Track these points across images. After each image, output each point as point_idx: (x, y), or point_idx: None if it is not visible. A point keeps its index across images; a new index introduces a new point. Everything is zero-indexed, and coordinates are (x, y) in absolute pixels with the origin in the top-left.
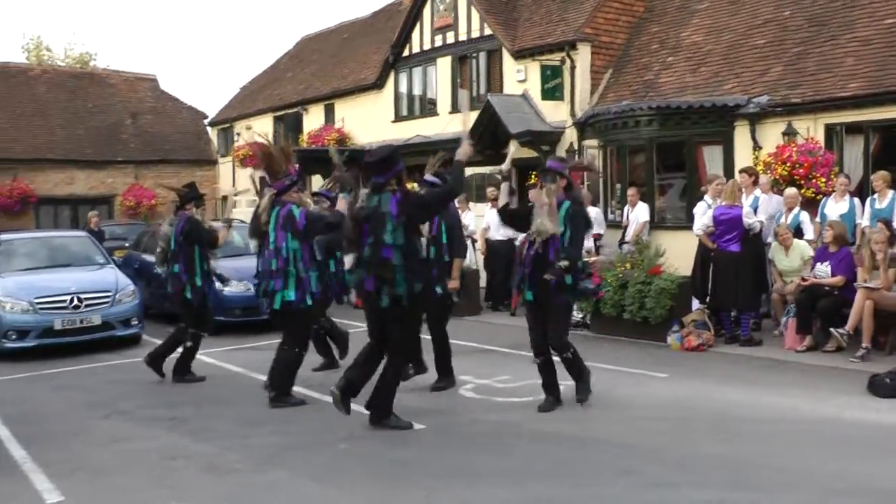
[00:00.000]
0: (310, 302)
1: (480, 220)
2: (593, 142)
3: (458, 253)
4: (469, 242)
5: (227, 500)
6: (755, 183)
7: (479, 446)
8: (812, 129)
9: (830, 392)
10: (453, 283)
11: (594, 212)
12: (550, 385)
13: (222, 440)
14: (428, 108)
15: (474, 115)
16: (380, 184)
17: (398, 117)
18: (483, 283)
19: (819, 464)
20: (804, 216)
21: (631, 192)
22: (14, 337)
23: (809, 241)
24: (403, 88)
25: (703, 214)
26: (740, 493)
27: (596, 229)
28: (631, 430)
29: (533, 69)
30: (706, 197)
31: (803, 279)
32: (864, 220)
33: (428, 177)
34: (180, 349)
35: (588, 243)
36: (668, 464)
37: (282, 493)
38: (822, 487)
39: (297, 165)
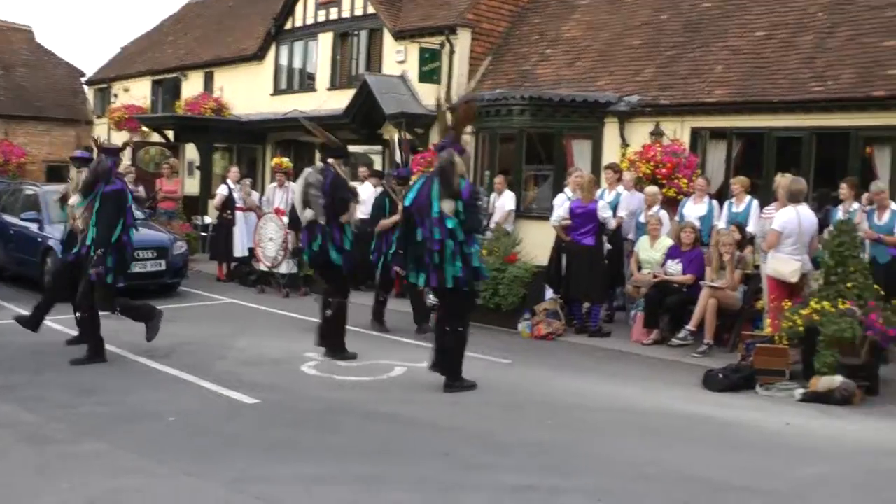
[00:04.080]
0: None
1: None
2: (467, 128)
3: None
4: None
5: (36, 470)
6: (619, 179)
7: (309, 423)
8: (679, 131)
9: (666, 384)
10: None
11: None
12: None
13: (51, 409)
14: (307, 83)
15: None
16: None
17: (277, 90)
18: None
19: (635, 451)
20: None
21: (498, 179)
22: None
23: None
24: (284, 62)
25: (561, 206)
26: (550, 478)
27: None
28: (462, 413)
29: (413, 51)
30: (566, 189)
31: (654, 276)
32: (720, 223)
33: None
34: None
35: None
36: (488, 448)
37: (95, 464)
38: (630, 473)
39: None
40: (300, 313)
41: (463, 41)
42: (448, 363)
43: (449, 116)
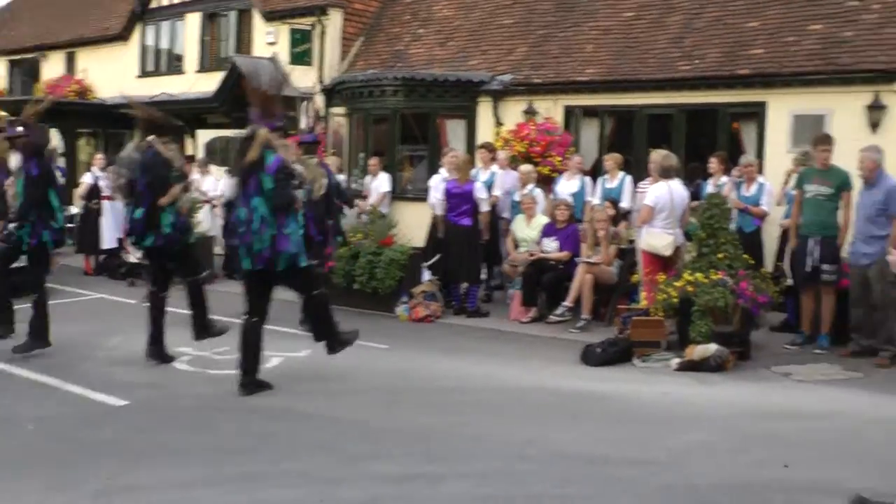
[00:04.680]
0: None
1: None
2: (340, 109)
3: None
4: (208, 208)
5: None
6: (493, 158)
7: (181, 423)
8: (552, 109)
9: (545, 361)
10: None
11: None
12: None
13: None
14: (175, 65)
15: None
16: None
17: (144, 73)
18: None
19: (515, 431)
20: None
21: (373, 161)
22: None
23: None
24: (151, 42)
25: (436, 187)
26: (431, 464)
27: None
28: (340, 403)
29: (283, 32)
30: (441, 170)
31: (531, 254)
32: (594, 199)
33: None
34: None
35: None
36: (367, 437)
37: None
38: (512, 454)
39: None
40: (174, 306)
41: (334, 22)
42: (324, 328)
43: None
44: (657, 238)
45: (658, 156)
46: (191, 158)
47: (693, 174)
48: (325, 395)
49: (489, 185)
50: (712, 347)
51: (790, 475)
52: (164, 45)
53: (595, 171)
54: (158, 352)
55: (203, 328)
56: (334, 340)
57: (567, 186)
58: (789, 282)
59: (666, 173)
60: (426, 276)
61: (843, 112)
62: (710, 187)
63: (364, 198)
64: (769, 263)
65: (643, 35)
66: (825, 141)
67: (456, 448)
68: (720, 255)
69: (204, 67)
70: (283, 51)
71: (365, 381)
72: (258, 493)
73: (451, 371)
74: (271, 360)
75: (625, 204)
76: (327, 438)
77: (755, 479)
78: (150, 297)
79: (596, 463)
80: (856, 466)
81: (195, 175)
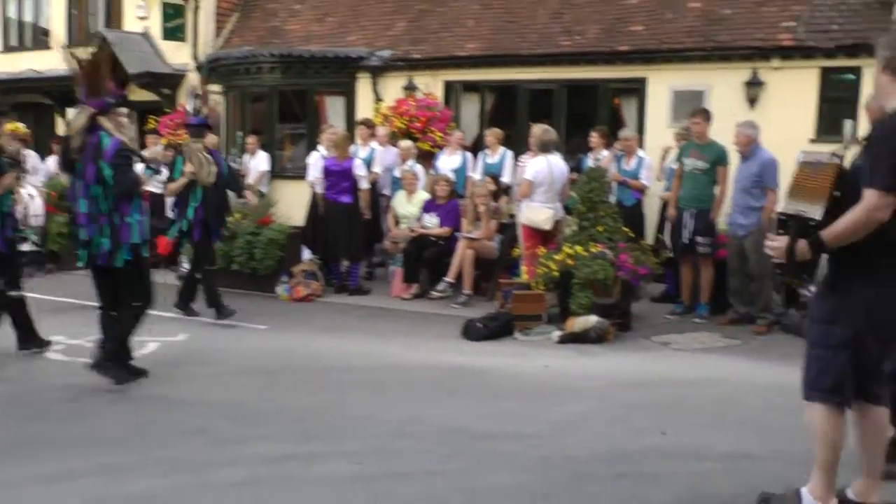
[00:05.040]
0: None
1: None
2: (216, 87)
3: None
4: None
5: None
6: (372, 135)
7: (50, 415)
8: (431, 85)
9: (427, 338)
10: None
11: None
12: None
13: None
14: (41, 39)
15: None
16: None
17: (7, 48)
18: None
19: (395, 409)
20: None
21: (250, 140)
22: None
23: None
24: (13, 15)
25: (315, 165)
26: (308, 444)
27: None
28: (216, 387)
29: (155, 6)
30: (320, 147)
31: (411, 230)
32: (475, 174)
33: None
34: None
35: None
36: (244, 420)
37: None
38: (391, 431)
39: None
40: (47, 294)
41: None
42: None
43: (78, 65)
44: (537, 212)
45: (538, 130)
46: (24, 141)
47: (576, 149)
48: (201, 379)
49: (369, 162)
50: (592, 319)
51: (667, 442)
52: (29, 17)
53: (476, 147)
54: (31, 341)
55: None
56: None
57: (448, 162)
58: (669, 253)
59: (545, 147)
60: (306, 254)
61: (722, 88)
62: (590, 161)
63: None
64: (650, 236)
65: (524, 10)
66: (698, 114)
67: (334, 427)
68: (600, 228)
69: (72, 42)
70: (155, 26)
71: (242, 363)
72: (128, 485)
73: (330, 350)
74: (147, 346)
75: (506, 179)
76: (202, 423)
77: (633, 446)
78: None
79: (477, 438)
80: (732, 431)
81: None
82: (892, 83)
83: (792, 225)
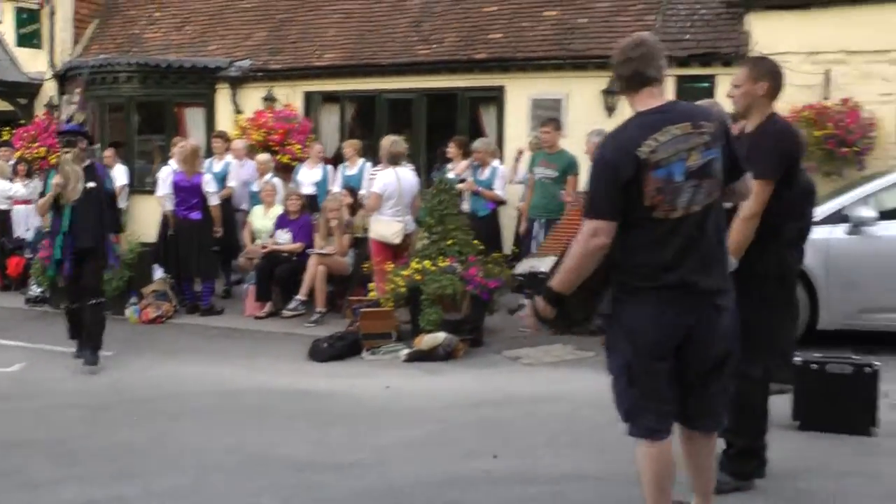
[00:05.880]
0: None
1: None
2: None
3: None
4: None
5: None
6: (228, 148)
7: None
8: (291, 95)
9: (273, 359)
10: None
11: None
12: None
13: None
14: None
15: None
16: None
17: None
18: None
19: (220, 438)
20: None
21: (107, 153)
22: None
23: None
24: None
25: (165, 180)
26: (118, 485)
27: None
28: (41, 423)
29: (9, 11)
30: (171, 161)
31: (263, 246)
32: (335, 187)
33: None
34: None
35: None
36: (58, 460)
37: None
38: (209, 464)
39: None
40: None
41: (65, 2)
42: None
43: None
44: (385, 226)
45: (386, 142)
46: None
47: (443, 159)
48: (25, 414)
49: (223, 177)
50: (440, 336)
51: (498, 465)
52: None
53: (337, 159)
54: None
55: None
56: None
57: (309, 175)
58: None
59: (394, 159)
60: (158, 273)
61: (580, 96)
62: (451, 173)
63: None
64: (508, 246)
65: (384, 18)
66: (548, 123)
67: (150, 463)
68: (449, 242)
69: None
70: (9, 31)
71: (73, 396)
72: None
73: (168, 376)
74: None
75: (364, 191)
76: (13, 464)
77: (461, 472)
78: None
79: (296, 468)
80: (568, 451)
81: None
82: None
83: (526, 284)
